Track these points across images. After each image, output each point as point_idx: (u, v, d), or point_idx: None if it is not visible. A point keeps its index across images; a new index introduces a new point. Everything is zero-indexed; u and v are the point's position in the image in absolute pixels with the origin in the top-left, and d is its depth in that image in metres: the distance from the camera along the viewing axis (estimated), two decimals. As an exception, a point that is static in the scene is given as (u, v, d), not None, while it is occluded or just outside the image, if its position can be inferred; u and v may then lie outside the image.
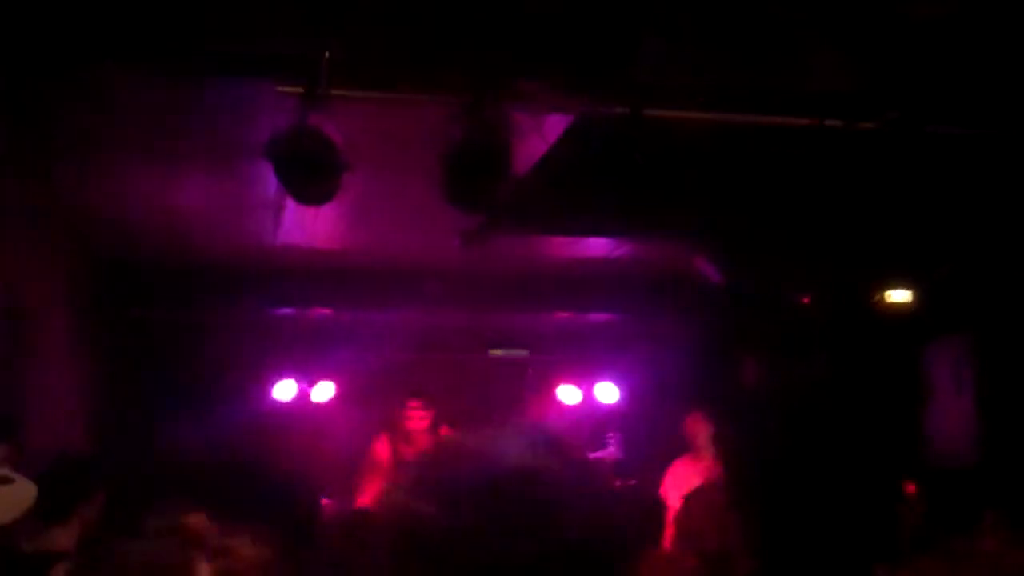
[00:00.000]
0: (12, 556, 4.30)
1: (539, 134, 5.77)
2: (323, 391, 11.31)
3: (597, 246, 9.25)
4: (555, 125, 6.04)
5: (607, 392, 12.13)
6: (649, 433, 10.85)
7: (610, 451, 10.93)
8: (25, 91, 5.29)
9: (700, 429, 8.73)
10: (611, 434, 11.20)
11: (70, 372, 7.73)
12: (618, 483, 9.73)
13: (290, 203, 7.19)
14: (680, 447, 9.16)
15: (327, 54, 4.93)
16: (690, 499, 7.43)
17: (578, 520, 1.37)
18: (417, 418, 9.45)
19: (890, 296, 9.43)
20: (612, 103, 5.65)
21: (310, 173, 5.22)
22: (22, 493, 2.32)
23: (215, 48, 4.98)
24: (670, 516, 8.35)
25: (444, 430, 9.36)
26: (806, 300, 9.53)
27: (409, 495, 1.36)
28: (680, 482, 8.46)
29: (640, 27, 5.34)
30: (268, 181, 6.82)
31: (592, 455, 10.72)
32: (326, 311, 10.41)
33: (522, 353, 12.12)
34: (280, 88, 5.13)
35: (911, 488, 7.57)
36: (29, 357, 6.20)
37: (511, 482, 1.36)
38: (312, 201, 5.51)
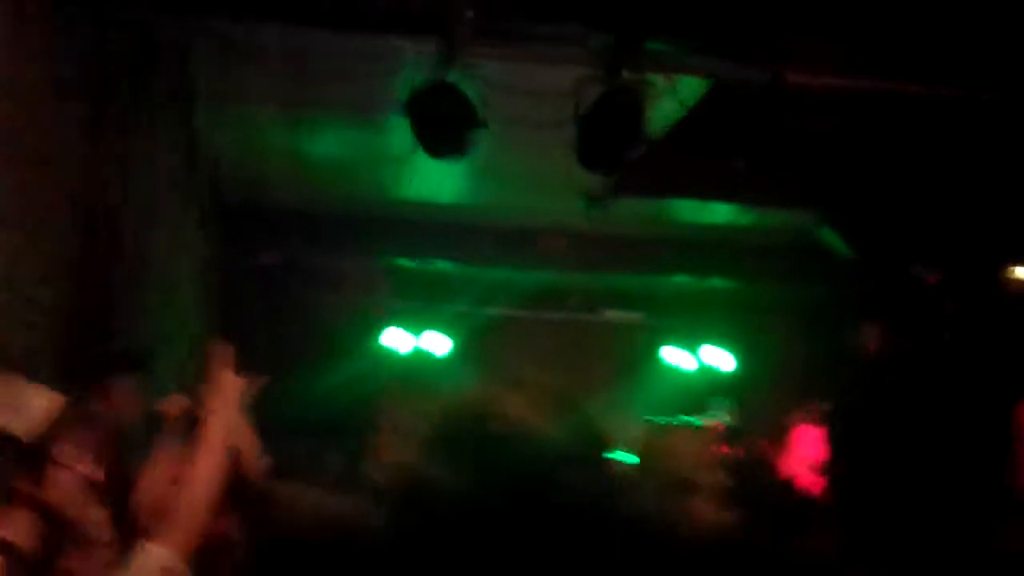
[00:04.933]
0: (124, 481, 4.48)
1: (675, 97, 5.70)
2: (440, 344, 11.45)
3: (722, 212, 9.15)
4: (692, 89, 5.97)
5: (721, 359, 12.04)
6: (762, 402, 10.75)
7: (716, 416, 10.84)
8: (168, 39, 5.42)
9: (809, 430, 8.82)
10: (719, 400, 11.13)
11: (199, 313, 7.94)
12: (724, 449, 9.66)
13: (419, 157, 7.27)
14: (793, 418, 9.12)
15: (467, 12, 4.95)
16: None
17: None
18: None
19: (1018, 272, 9.14)
20: (751, 68, 5.56)
21: (446, 129, 5.26)
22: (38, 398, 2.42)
23: (353, 4, 5.03)
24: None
25: None
26: (933, 279, 9.29)
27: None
28: (802, 453, 8.48)
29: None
30: (399, 135, 6.91)
31: (704, 420, 10.66)
32: (447, 264, 10.49)
33: (636, 316, 12.08)
34: (420, 47, 5.17)
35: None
36: (163, 295, 6.39)
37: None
38: (446, 156, 5.54)
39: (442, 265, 10.48)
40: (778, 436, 9.14)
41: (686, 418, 10.47)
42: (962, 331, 9.15)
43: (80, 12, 4.26)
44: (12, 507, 2.61)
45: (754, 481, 4.68)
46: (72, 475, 3.03)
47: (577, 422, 1.41)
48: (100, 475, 3.34)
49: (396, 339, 11.24)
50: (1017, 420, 5.98)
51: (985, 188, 7.48)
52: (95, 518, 3.32)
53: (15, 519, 2.64)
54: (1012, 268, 8.94)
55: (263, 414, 8.19)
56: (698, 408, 11.18)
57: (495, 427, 1.35)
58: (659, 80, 5.49)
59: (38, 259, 3.95)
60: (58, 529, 2.96)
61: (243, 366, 9.19)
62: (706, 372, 12.13)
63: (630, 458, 9.98)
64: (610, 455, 1.50)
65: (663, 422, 10.30)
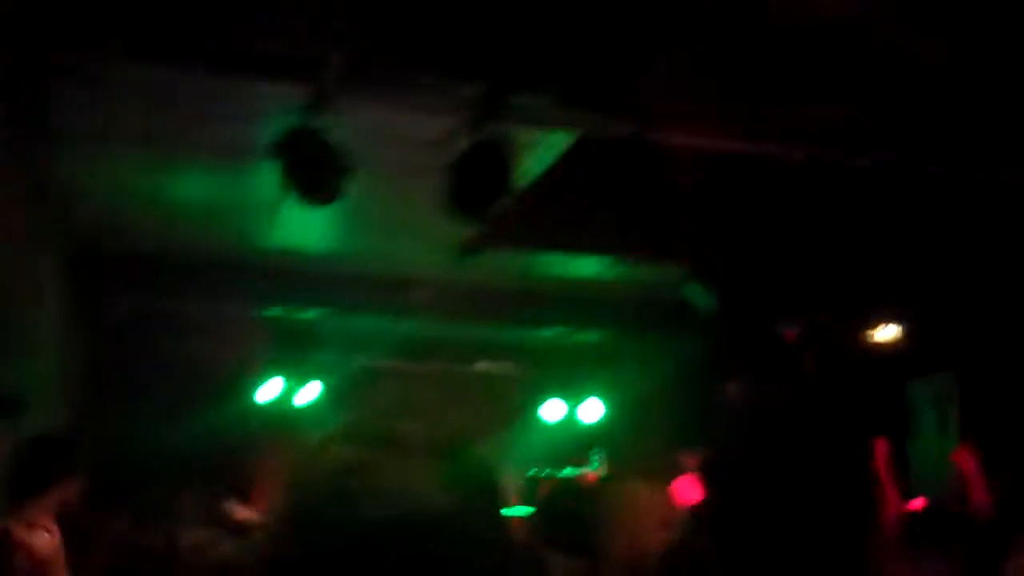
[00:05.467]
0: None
1: (542, 149, 5.80)
2: (308, 393, 11.31)
3: (590, 265, 9.30)
4: (559, 141, 6.08)
5: (592, 409, 12.15)
6: (632, 451, 10.88)
7: (592, 468, 10.96)
8: (26, 75, 5.29)
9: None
10: (594, 451, 11.24)
11: (57, 360, 7.72)
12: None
13: (289, 203, 7.22)
14: (663, 466, 9.24)
15: (335, 57, 4.97)
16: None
17: None
18: None
19: (877, 333, 9.49)
20: (614, 124, 5.70)
21: (315, 175, 5.25)
22: None
23: (223, 46, 5.01)
24: None
25: None
26: (792, 334, 9.57)
27: None
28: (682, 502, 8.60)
29: (646, 51, 5.38)
30: (266, 180, 6.86)
31: (581, 471, 10.76)
32: (316, 313, 10.41)
33: (508, 367, 12.12)
34: (289, 89, 5.16)
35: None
36: (22, 343, 6.20)
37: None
38: (316, 202, 5.53)
39: (312, 314, 10.38)
40: (650, 484, 9.25)
41: (566, 470, 10.56)
42: (821, 385, 9.43)
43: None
44: None
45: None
46: None
47: (469, 493, 1.31)
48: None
49: (268, 388, 11.07)
50: (874, 458, 6.18)
51: (846, 247, 7.74)
52: None
53: None
54: (869, 331, 9.27)
55: (127, 461, 7.97)
56: (575, 459, 11.28)
57: (368, 508, 1.22)
58: (526, 132, 5.59)
59: None
60: None
61: (103, 413, 8.94)
62: (577, 423, 12.22)
63: (522, 510, 10.01)
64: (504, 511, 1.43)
65: (542, 475, 10.37)
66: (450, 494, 1.25)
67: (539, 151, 5.88)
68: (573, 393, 12.29)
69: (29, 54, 4.85)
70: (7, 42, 4.68)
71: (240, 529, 5.80)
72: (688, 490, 8.82)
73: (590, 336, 11.28)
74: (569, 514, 4.71)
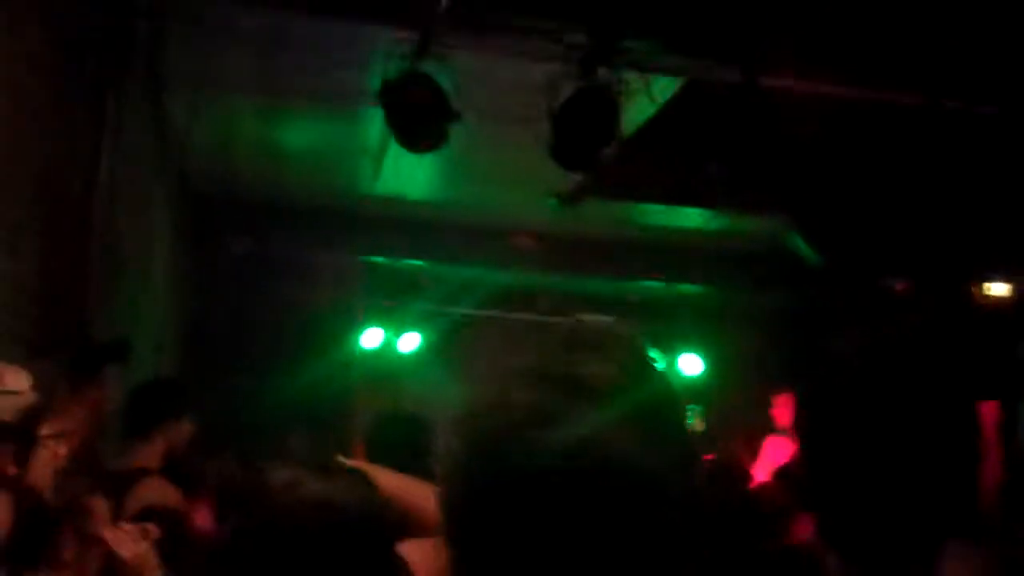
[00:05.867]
0: (97, 472, 4.44)
1: (649, 96, 5.71)
2: (409, 342, 11.41)
3: (693, 216, 9.18)
4: (666, 89, 5.98)
5: (691, 364, 12.06)
6: (731, 408, 10.77)
7: (689, 423, 10.87)
8: (142, 21, 5.38)
9: (787, 408, 8.60)
10: (692, 407, 11.15)
11: (167, 303, 7.89)
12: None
13: (391, 150, 7.26)
14: (763, 423, 9.09)
15: (443, 1, 4.95)
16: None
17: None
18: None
19: (988, 290, 9.23)
20: (724, 70, 5.59)
21: (420, 120, 5.25)
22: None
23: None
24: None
25: None
26: (901, 287, 9.36)
27: None
28: (773, 458, 8.38)
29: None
30: (372, 127, 6.90)
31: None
32: (416, 262, 10.48)
33: (607, 320, 12.05)
34: (394, 34, 5.16)
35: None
36: (135, 285, 6.34)
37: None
38: (419, 149, 5.54)
39: (412, 262, 10.45)
40: (748, 442, 9.13)
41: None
42: (929, 342, 9.20)
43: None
44: None
45: (721, 487, 4.68)
46: (57, 457, 3.01)
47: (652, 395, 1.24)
48: (91, 459, 3.32)
49: (369, 336, 11.20)
50: (982, 419, 5.99)
51: (958, 201, 7.52)
52: (97, 509, 3.30)
53: None
54: (983, 283, 9.02)
55: (232, 407, 8.15)
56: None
57: (557, 459, 1.16)
58: (633, 78, 5.51)
59: (2, 228, 3.90)
60: (42, 514, 2.93)
61: (210, 358, 9.16)
62: (675, 377, 12.13)
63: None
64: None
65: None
66: (640, 444, 1.19)
67: (645, 98, 5.77)
68: (672, 347, 12.21)
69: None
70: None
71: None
72: (777, 449, 8.62)
73: (690, 289, 11.17)
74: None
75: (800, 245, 8.88)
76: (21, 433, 2.52)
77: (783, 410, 8.60)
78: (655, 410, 1.23)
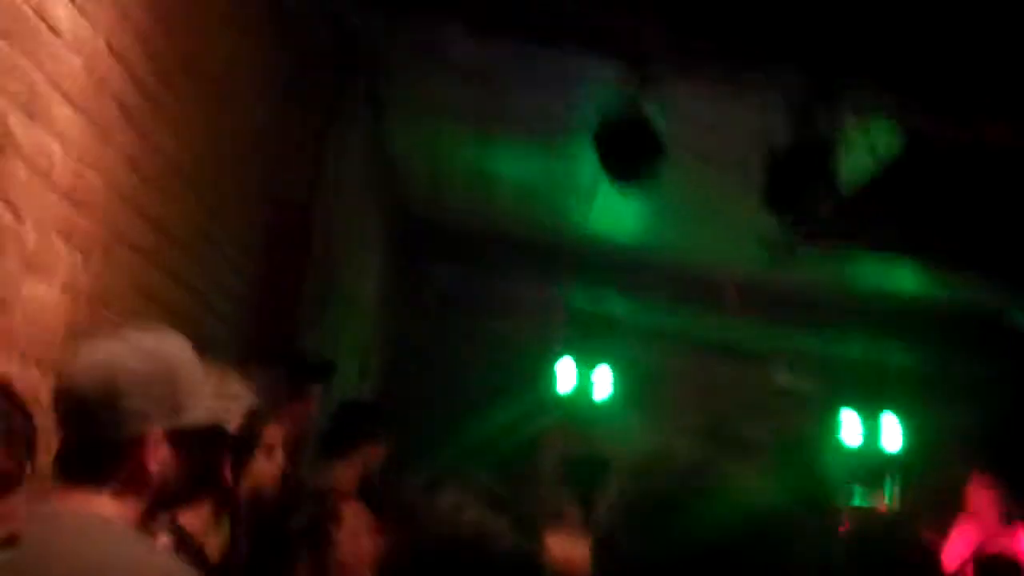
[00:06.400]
0: (299, 488, 4.56)
1: (870, 150, 5.53)
2: (604, 386, 11.31)
3: (910, 279, 8.81)
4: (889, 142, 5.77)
5: (893, 435, 11.56)
6: (930, 487, 10.25)
7: (883, 498, 10.43)
8: (364, 47, 5.54)
9: (982, 492, 8.09)
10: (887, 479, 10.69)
11: (372, 326, 8.09)
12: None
13: (602, 188, 7.25)
14: (962, 508, 8.63)
15: (660, 36, 4.92)
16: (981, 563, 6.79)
17: None
18: None
19: None
20: (952, 123, 5.36)
21: (633, 158, 5.23)
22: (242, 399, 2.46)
23: (553, 21, 5.06)
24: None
25: None
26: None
27: None
28: (961, 547, 7.89)
29: (987, 42, 5.01)
30: (585, 163, 6.91)
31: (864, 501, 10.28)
32: (619, 304, 10.42)
33: (807, 382, 11.70)
34: (613, 68, 5.16)
35: None
36: (346, 306, 6.53)
37: None
38: (630, 184, 5.50)
39: (614, 304, 10.40)
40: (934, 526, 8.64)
41: (856, 497, 10.12)
42: None
43: (286, 7, 4.41)
44: (205, 499, 2.67)
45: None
46: (275, 464, 3.11)
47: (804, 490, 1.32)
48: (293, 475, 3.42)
49: (565, 375, 11.16)
50: None
51: None
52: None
53: (201, 512, 2.69)
54: None
55: (425, 438, 8.22)
56: (867, 484, 10.80)
57: (717, 504, 1.26)
58: (854, 131, 5.34)
59: (231, 247, 4.08)
60: (244, 529, 3.04)
61: (413, 381, 9.26)
62: (875, 449, 11.65)
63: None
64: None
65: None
66: (789, 496, 1.28)
67: (866, 151, 5.59)
68: (873, 415, 11.73)
69: (373, 21, 5.06)
70: (355, 7, 4.90)
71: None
72: (966, 535, 8.00)
73: (898, 356, 10.72)
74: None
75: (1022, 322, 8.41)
76: (242, 442, 2.61)
77: (980, 494, 8.07)
78: (802, 471, 1.34)
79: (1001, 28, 4.85)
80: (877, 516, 9.57)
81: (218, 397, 2.31)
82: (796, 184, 5.28)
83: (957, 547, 7.96)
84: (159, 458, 2.07)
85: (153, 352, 2.12)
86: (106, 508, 2.03)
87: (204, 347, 2.46)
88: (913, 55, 5.12)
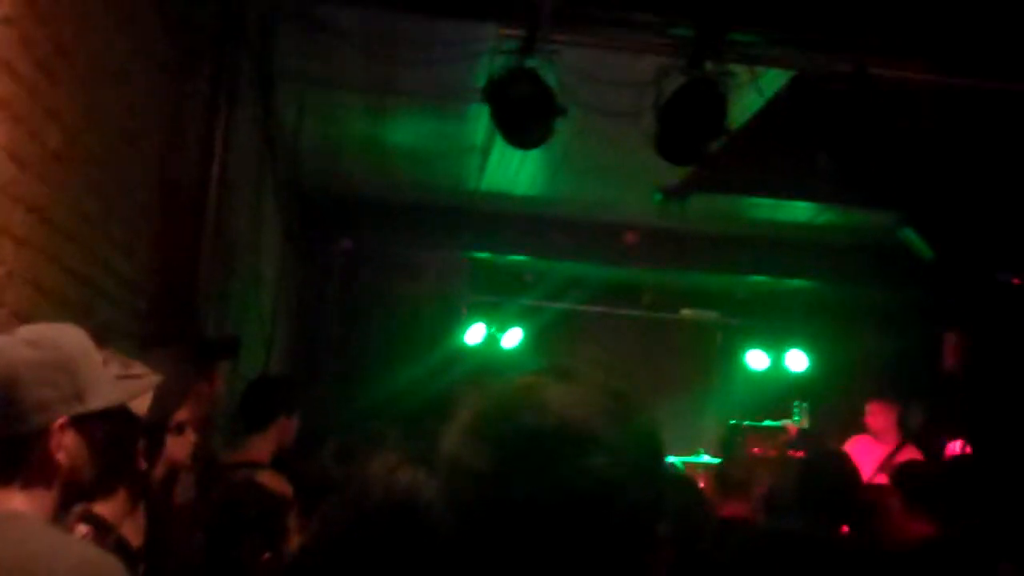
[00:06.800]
0: (211, 462, 4.56)
1: (756, 89, 5.63)
2: (513, 337, 11.46)
3: (801, 210, 9.03)
4: (774, 81, 5.89)
5: (797, 360, 11.88)
6: (836, 406, 10.58)
7: (795, 420, 10.73)
8: (250, 21, 5.47)
9: (882, 416, 8.51)
10: (797, 403, 11.00)
11: (274, 299, 8.03)
12: (791, 452, 9.56)
13: (496, 147, 7.28)
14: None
15: (550, -3, 4.95)
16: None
17: None
18: None
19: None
20: (834, 60, 5.48)
21: (526, 116, 5.26)
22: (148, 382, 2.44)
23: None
24: None
25: None
26: (1017, 281, 9.09)
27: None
28: (863, 461, 8.25)
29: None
30: (478, 124, 6.93)
31: (776, 422, 10.56)
32: (521, 257, 10.50)
33: (712, 315, 11.97)
34: (502, 30, 5.18)
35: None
36: (247, 283, 6.46)
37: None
38: (525, 145, 5.55)
39: (516, 258, 10.48)
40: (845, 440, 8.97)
41: (767, 422, 10.39)
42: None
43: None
44: (119, 485, 2.65)
45: (820, 480, 4.60)
46: (187, 443, 3.10)
47: (627, 422, 1.37)
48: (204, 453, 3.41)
49: (472, 332, 11.29)
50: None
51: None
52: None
53: (117, 498, 2.68)
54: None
55: (336, 403, 8.23)
56: (776, 410, 11.07)
57: (528, 417, 1.33)
58: (741, 71, 5.44)
59: (118, 229, 4.01)
60: (160, 512, 3.03)
61: (317, 353, 9.25)
62: (781, 373, 11.98)
63: (710, 460, 9.95)
64: (663, 460, 1.47)
65: (743, 424, 10.22)
66: (610, 419, 1.34)
67: (753, 91, 5.69)
68: (778, 343, 12.05)
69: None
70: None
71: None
72: (863, 451, 8.44)
73: (797, 284, 10.99)
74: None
75: (913, 239, 8.67)
76: (152, 425, 2.59)
77: (877, 416, 8.52)
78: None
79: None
80: (805, 434, 9.85)
81: (122, 380, 2.29)
82: (685, 129, 5.37)
83: (860, 461, 8.33)
84: (66, 447, 2.05)
85: (48, 343, 2.09)
86: (17, 503, 2.01)
87: (102, 335, 2.43)
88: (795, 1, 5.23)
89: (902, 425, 8.60)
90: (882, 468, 8.01)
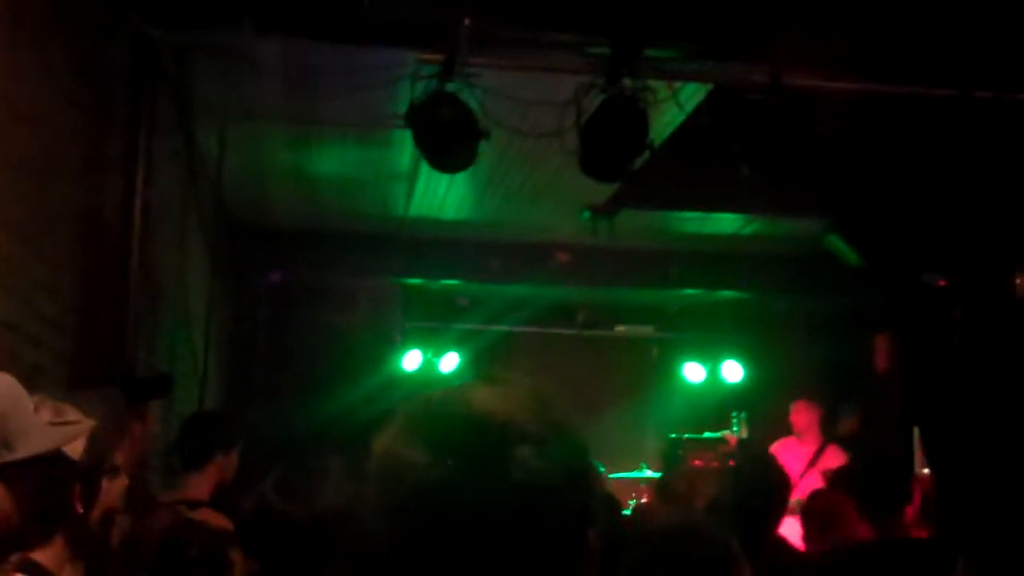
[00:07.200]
0: (148, 502, 4.49)
1: (676, 103, 5.70)
2: (449, 362, 11.45)
3: (728, 222, 9.14)
4: (693, 95, 5.97)
5: (733, 371, 12.00)
6: (774, 414, 10.70)
7: (733, 431, 10.86)
8: (173, 54, 5.44)
9: (804, 414, 8.81)
10: (735, 414, 11.12)
11: (204, 333, 7.95)
12: (731, 463, 9.68)
13: (423, 172, 7.28)
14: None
15: (466, 21, 4.97)
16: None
17: None
18: None
19: (1026, 282, 9.12)
20: (751, 72, 5.57)
21: (448, 140, 5.27)
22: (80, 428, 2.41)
23: (352, 16, 5.05)
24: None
25: None
26: (943, 283, 9.27)
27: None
28: (791, 462, 8.48)
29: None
30: (403, 150, 6.93)
31: (715, 433, 10.66)
32: (454, 282, 10.50)
33: (647, 330, 12.07)
34: (420, 56, 5.19)
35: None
36: (176, 320, 6.40)
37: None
38: (449, 169, 5.56)
39: (449, 282, 10.48)
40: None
41: (707, 434, 10.48)
42: (971, 336, 9.12)
43: (79, 21, 4.28)
44: (56, 531, 2.60)
45: (751, 486, 4.65)
46: (121, 486, 3.05)
47: (553, 420, 1.40)
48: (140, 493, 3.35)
49: (409, 358, 11.26)
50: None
51: (995, 192, 7.46)
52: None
53: (55, 544, 2.63)
54: (1019, 280, 8.91)
55: (272, 433, 8.17)
56: (715, 421, 11.18)
57: (457, 410, 1.38)
58: (659, 87, 5.50)
59: (41, 269, 3.95)
60: (99, 555, 2.97)
61: (251, 386, 9.15)
62: (718, 384, 12.09)
63: (651, 475, 10.01)
64: (591, 464, 1.48)
65: (683, 437, 10.30)
66: (535, 416, 1.38)
67: (674, 106, 5.76)
68: (713, 354, 12.16)
69: (171, 33, 4.97)
70: (152, 21, 4.81)
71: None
72: (789, 453, 8.66)
73: (729, 295, 11.11)
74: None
75: (839, 246, 8.81)
76: (87, 469, 2.55)
77: (800, 415, 8.80)
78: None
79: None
80: (744, 444, 9.97)
81: (54, 426, 2.26)
82: (608, 146, 5.41)
83: (787, 463, 8.54)
84: (-4, 497, 2.02)
85: None
86: None
87: (29, 379, 2.39)
88: (708, 10, 5.30)
89: (826, 425, 8.86)
90: (810, 467, 8.28)
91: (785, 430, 9.03)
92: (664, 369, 12.28)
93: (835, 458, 8.27)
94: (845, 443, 8.69)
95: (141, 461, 4.52)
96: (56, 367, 4.18)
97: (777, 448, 8.82)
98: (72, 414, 2.42)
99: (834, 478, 6.40)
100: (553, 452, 1.35)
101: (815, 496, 5.59)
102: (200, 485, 4.72)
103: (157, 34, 4.96)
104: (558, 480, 1.33)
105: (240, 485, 4.85)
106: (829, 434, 8.72)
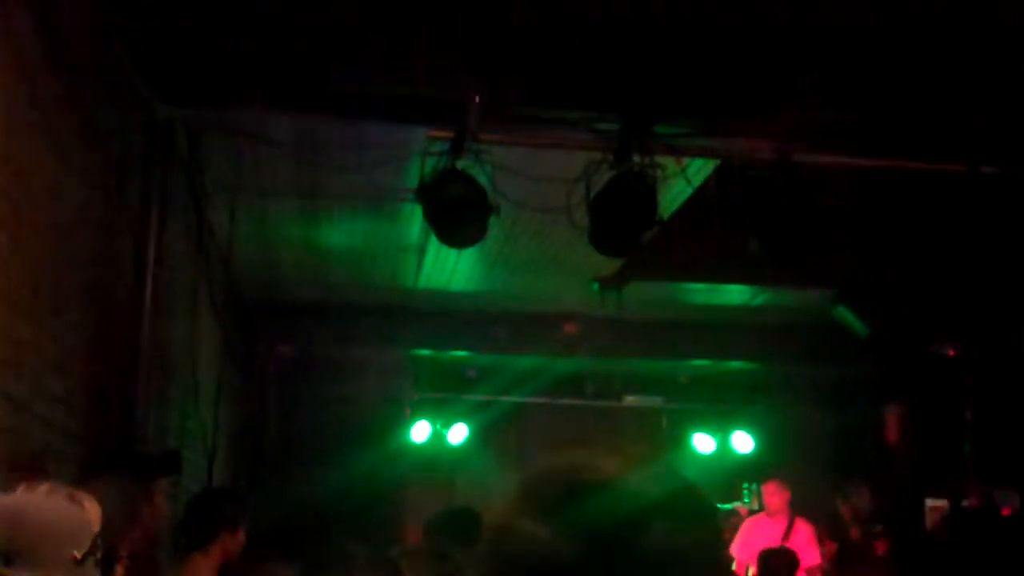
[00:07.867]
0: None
1: (685, 178, 5.73)
2: (457, 433, 11.40)
3: (736, 293, 9.15)
4: (701, 169, 6.01)
5: (743, 441, 11.93)
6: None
7: (745, 502, 10.77)
8: (179, 134, 5.49)
9: (776, 495, 9.03)
10: (746, 484, 11.05)
11: (215, 408, 7.93)
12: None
13: (432, 245, 7.31)
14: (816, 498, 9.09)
15: (477, 98, 5.01)
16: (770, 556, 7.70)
17: None
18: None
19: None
20: (758, 147, 5.60)
21: (458, 216, 5.29)
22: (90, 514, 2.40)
23: (362, 92, 5.10)
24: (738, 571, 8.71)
25: None
26: (952, 352, 9.26)
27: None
28: (753, 540, 8.59)
29: (787, 73, 5.28)
30: (412, 223, 6.96)
31: (727, 504, 10.59)
32: (463, 353, 10.50)
33: (656, 401, 12.02)
34: (431, 132, 5.23)
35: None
36: (186, 396, 6.39)
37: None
38: (459, 244, 5.57)
39: (458, 353, 10.48)
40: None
41: (718, 505, 10.40)
42: (982, 404, 9.10)
43: (93, 99, 4.33)
44: None
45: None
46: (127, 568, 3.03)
47: (673, 480, 1.34)
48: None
49: (418, 429, 11.23)
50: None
51: (1002, 260, 7.48)
52: None
53: None
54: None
55: (285, 508, 8.12)
56: (726, 492, 11.10)
57: (587, 479, 1.28)
58: (668, 162, 5.54)
59: (51, 348, 3.95)
60: None
61: (260, 459, 9.11)
62: (728, 455, 12.02)
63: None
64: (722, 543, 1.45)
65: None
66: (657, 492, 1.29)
67: (682, 180, 5.80)
68: (723, 425, 12.11)
69: (184, 110, 5.03)
70: (165, 98, 4.87)
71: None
72: (759, 531, 8.80)
73: (738, 365, 11.09)
74: None
75: (847, 318, 8.81)
76: (108, 557, 2.54)
77: (773, 496, 9.08)
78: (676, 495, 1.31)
79: (795, 50, 5.11)
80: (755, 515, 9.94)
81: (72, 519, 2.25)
82: (617, 221, 5.44)
83: (748, 540, 8.65)
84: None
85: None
86: None
87: (37, 461, 2.39)
88: (716, 88, 5.35)
89: (838, 497, 9.21)
90: (784, 541, 8.48)
91: (798, 500, 9.05)
92: (674, 440, 12.20)
93: (803, 532, 8.78)
94: (862, 514, 8.91)
95: (151, 541, 4.49)
96: (66, 446, 4.16)
97: (748, 525, 9.02)
98: (86, 501, 2.42)
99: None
100: (689, 529, 1.29)
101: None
102: (204, 566, 4.69)
103: (170, 111, 5.01)
104: (693, 555, 1.28)
105: (250, 562, 4.82)
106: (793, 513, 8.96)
